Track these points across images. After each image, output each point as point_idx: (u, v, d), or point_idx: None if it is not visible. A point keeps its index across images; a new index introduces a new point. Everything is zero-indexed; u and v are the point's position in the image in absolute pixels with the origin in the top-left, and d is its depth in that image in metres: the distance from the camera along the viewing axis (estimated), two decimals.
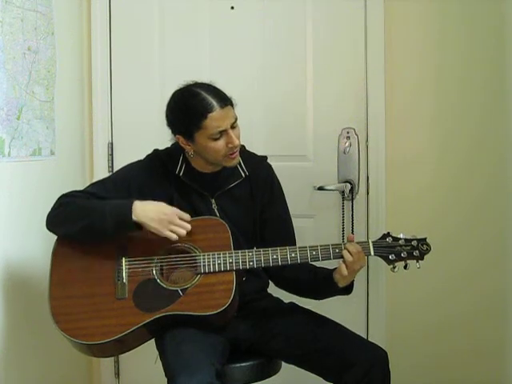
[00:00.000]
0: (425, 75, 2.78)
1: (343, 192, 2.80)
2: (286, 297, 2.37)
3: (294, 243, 2.30)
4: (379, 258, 2.15)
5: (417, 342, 2.82)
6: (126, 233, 2.12)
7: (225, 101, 2.13)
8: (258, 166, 2.33)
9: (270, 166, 2.38)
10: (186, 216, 2.13)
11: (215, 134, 2.12)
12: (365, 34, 2.80)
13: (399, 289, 2.80)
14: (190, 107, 2.13)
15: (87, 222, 2.10)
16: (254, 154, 2.37)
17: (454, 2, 2.73)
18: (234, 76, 2.85)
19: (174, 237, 2.09)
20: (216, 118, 2.11)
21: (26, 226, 2.52)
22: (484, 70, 2.72)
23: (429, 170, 2.80)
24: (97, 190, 2.22)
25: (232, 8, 2.91)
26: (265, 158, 2.38)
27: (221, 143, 2.14)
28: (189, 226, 2.11)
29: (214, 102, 2.11)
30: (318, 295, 2.27)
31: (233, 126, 2.15)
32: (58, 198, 2.21)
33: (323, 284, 2.19)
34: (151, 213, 2.09)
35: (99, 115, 3.00)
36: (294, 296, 2.34)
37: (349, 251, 2.09)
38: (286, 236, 2.32)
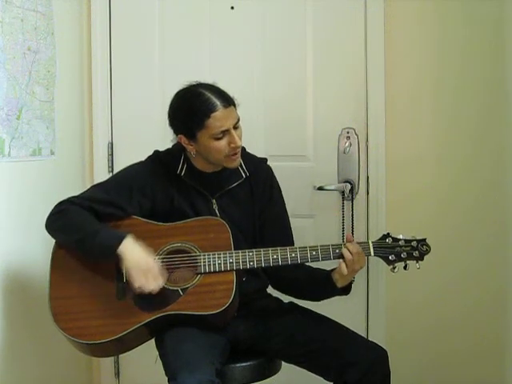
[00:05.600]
0: (425, 75, 2.78)
1: (343, 192, 2.80)
2: (286, 297, 2.37)
3: (292, 244, 2.31)
4: (379, 259, 2.15)
5: (417, 341, 2.82)
6: (107, 260, 2.09)
7: (228, 101, 2.14)
8: (259, 167, 2.34)
9: (270, 167, 2.38)
10: (164, 278, 2.08)
11: (218, 134, 2.13)
12: (365, 34, 2.80)
13: (399, 289, 2.80)
14: (194, 106, 2.13)
15: (77, 238, 2.10)
16: (254, 155, 2.37)
17: (454, 2, 2.73)
18: (233, 76, 2.85)
19: (138, 285, 2.03)
20: (219, 117, 2.11)
21: (26, 225, 2.52)
22: (484, 69, 2.72)
23: (429, 170, 2.80)
24: (98, 194, 2.21)
25: (232, 8, 2.91)
26: (265, 159, 2.38)
27: (223, 143, 2.14)
28: (160, 286, 2.05)
29: (218, 102, 2.11)
30: (316, 296, 2.27)
31: (235, 127, 2.16)
32: (60, 203, 2.19)
33: (322, 284, 2.20)
34: (137, 253, 2.06)
35: (99, 115, 3.00)
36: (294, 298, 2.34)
37: (349, 250, 2.10)
38: (285, 237, 2.32)
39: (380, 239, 2.16)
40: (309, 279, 2.24)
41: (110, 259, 2.07)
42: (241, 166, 2.27)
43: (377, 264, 2.71)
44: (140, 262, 2.06)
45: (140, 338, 2.13)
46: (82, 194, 2.24)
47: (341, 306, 2.54)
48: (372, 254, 2.14)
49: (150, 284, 2.05)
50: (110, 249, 2.06)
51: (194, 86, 2.18)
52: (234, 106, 2.16)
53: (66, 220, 2.15)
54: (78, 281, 2.13)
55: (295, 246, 2.24)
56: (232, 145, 2.14)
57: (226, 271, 2.11)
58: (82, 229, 2.11)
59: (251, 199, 2.29)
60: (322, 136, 2.86)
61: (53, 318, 2.08)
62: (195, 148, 2.19)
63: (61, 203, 2.19)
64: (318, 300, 2.27)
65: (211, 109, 2.10)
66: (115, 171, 2.60)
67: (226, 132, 2.13)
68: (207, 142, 2.14)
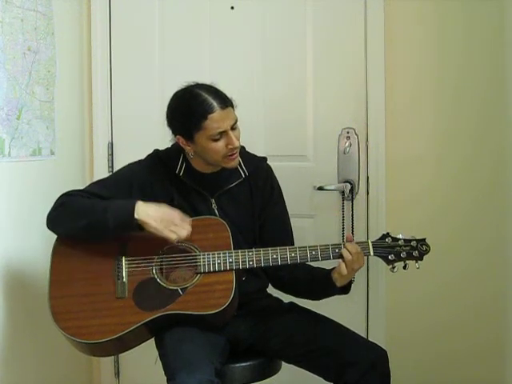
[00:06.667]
0: (425, 75, 2.78)
1: (343, 192, 2.80)
2: (286, 297, 2.38)
3: (292, 244, 2.31)
4: (379, 259, 2.16)
5: (417, 341, 2.82)
6: (127, 232, 2.12)
7: (225, 102, 2.14)
8: (258, 166, 2.34)
9: (270, 166, 2.38)
10: (188, 219, 2.12)
11: (215, 135, 2.12)
12: (365, 34, 2.80)
13: (399, 289, 2.79)
14: (191, 108, 2.13)
15: (89, 221, 2.10)
16: (253, 154, 2.37)
17: (454, 2, 2.73)
18: (233, 76, 2.85)
19: (174, 237, 2.08)
20: (216, 119, 2.11)
21: (26, 225, 2.52)
22: (484, 69, 2.72)
23: (429, 170, 2.80)
24: (97, 189, 2.22)
25: (232, 8, 2.91)
26: (264, 158, 2.38)
27: (220, 144, 2.14)
28: (189, 228, 2.10)
29: (215, 103, 2.11)
30: (316, 295, 2.27)
31: (233, 128, 2.15)
32: (59, 197, 2.21)
33: (321, 284, 2.20)
34: (153, 212, 2.09)
35: (99, 115, 3.00)
36: (293, 296, 2.34)
37: (348, 250, 2.10)
38: (285, 237, 2.33)
39: (379, 239, 2.17)
40: (308, 278, 2.24)
41: (129, 231, 2.10)
42: (240, 165, 2.27)
43: (377, 264, 2.70)
44: (160, 217, 2.07)
45: (140, 337, 2.13)
46: (81, 189, 2.24)
47: (341, 306, 2.54)
48: (371, 253, 2.14)
49: (180, 231, 2.08)
50: (127, 221, 2.07)
51: (191, 86, 2.18)
52: (232, 106, 2.16)
53: (70, 209, 2.15)
54: (77, 280, 2.13)
55: (295, 245, 2.24)
56: (229, 146, 2.14)
57: (225, 271, 2.11)
58: (90, 211, 2.11)
59: (251, 199, 2.29)
60: (322, 136, 2.85)
61: (52, 318, 2.08)
62: (193, 149, 2.19)
63: (60, 197, 2.20)
64: (318, 299, 2.27)
65: (208, 110, 2.10)
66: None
67: (223, 133, 2.13)
68: (205, 143, 2.14)
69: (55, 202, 2.20)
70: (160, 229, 2.07)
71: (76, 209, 2.15)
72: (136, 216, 2.06)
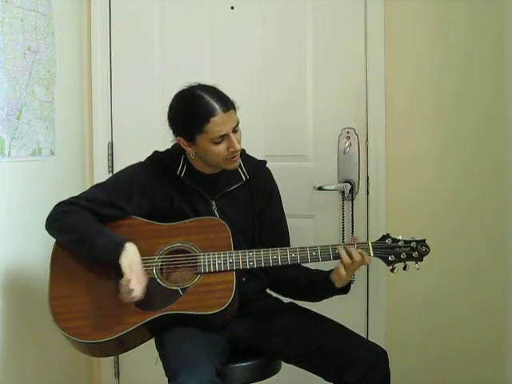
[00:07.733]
0: (425, 75, 2.78)
1: (343, 192, 2.80)
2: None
3: (288, 245, 2.31)
4: (379, 259, 2.16)
5: (416, 341, 2.82)
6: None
7: (227, 105, 2.13)
8: (258, 169, 2.34)
9: (269, 169, 2.38)
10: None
11: (216, 138, 2.12)
12: (365, 34, 2.80)
13: (399, 289, 2.79)
14: (193, 110, 2.12)
15: (77, 241, 2.11)
16: (253, 157, 2.37)
17: (455, 2, 2.73)
18: (234, 76, 2.85)
19: (130, 289, 2.02)
20: (218, 122, 2.10)
21: (26, 225, 2.52)
22: (484, 69, 2.72)
23: (429, 170, 2.80)
24: (98, 193, 2.21)
25: (232, 8, 2.91)
26: (264, 161, 2.38)
27: (222, 147, 2.14)
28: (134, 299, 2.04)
29: (217, 106, 2.10)
30: (315, 297, 2.28)
31: (234, 130, 2.15)
32: (59, 204, 2.20)
33: (320, 285, 2.20)
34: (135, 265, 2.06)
35: (99, 115, 3.00)
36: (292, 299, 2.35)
37: (349, 254, 2.10)
38: (282, 239, 2.33)
39: (379, 240, 2.17)
40: (307, 281, 2.24)
41: (109, 264, 2.07)
42: (240, 168, 2.27)
43: (377, 264, 2.69)
44: (135, 272, 2.04)
45: (140, 337, 2.13)
46: (82, 194, 2.23)
47: (341, 306, 2.54)
48: (372, 254, 2.15)
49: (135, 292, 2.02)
50: (111, 258, 2.05)
51: (193, 87, 2.17)
52: (234, 109, 2.15)
53: (66, 221, 2.15)
54: (77, 280, 2.13)
55: (295, 246, 2.24)
56: (231, 149, 2.14)
57: (225, 271, 2.11)
58: (82, 232, 2.11)
59: (250, 201, 2.30)
60: (322, 136, 2.86)
61: (52, 318, 2.08)
62: (194, 150, 2.19)
63: (61, 204, 2.20)
64: (317, 300, 2.28)
65: (211, 113, 2.09)
66: (115, 171, 2.60)
67: (225, 136, 2.12)
68: (206, 145, 2.14)
69: (55, 207, 2.19)
70: (129, 276, 2.02)
71: (70, 224, 2.14)
72: (120, 259, 2.03)
